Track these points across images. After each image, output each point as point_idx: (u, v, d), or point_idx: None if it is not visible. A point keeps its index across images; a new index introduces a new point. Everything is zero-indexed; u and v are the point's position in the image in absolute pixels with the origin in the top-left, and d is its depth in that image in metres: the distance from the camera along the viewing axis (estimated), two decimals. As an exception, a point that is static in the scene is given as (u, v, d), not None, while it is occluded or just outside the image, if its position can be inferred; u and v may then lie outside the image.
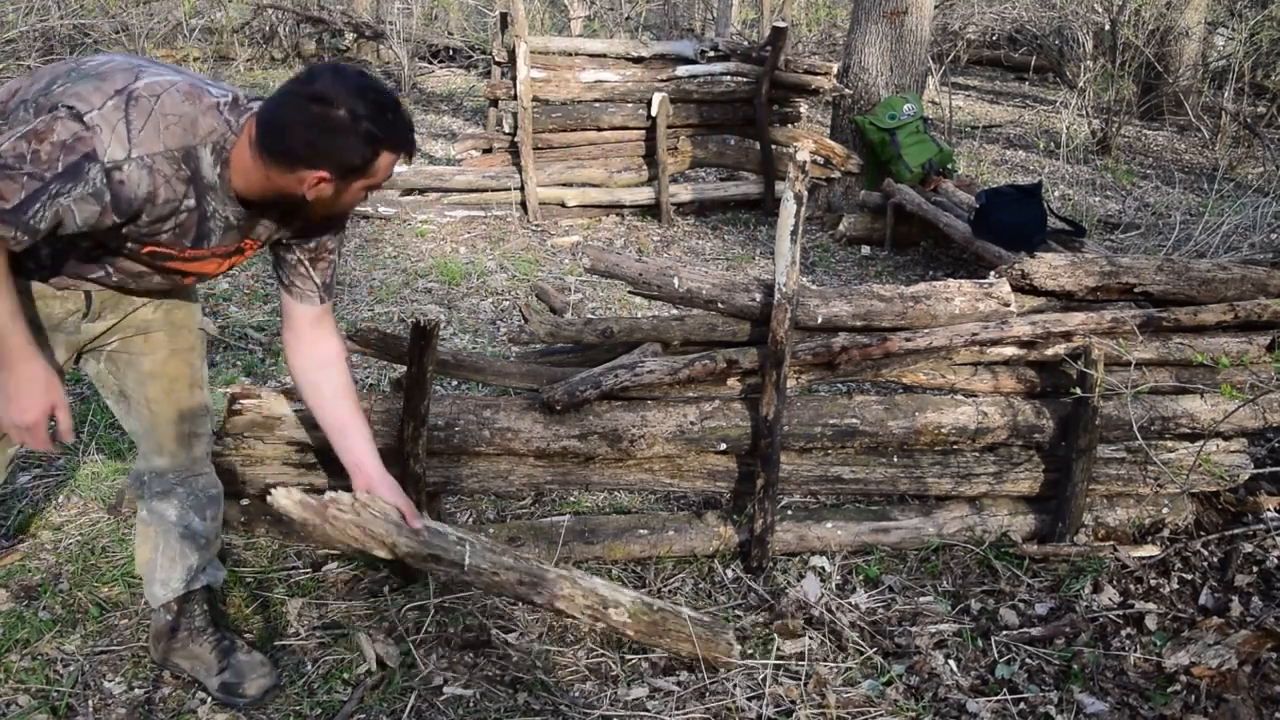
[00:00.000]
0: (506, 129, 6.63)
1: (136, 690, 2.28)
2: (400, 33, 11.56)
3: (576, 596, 2.28)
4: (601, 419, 2.60)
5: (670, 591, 2.68)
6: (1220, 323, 2.80)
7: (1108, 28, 9.04)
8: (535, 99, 6.31)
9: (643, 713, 2.27)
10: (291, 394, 2.59)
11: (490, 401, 2.63)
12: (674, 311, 2.73)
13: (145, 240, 1.88)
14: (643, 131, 6.51)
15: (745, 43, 7.41)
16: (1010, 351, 2.74)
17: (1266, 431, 3.18)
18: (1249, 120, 8.35)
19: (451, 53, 12.95)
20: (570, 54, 6.47)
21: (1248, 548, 2.78)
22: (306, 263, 2.10)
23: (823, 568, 2.76)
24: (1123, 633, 2.51)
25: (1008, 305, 2.69)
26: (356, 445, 2.22)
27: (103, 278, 1.98)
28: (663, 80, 6.49)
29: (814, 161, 6.37)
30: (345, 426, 2.21)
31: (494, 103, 6.96)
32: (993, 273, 2.81)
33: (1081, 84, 8.75)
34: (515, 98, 6.33)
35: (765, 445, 2.61)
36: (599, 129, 6.51)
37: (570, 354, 2.79)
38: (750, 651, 2.44)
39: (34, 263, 1.90)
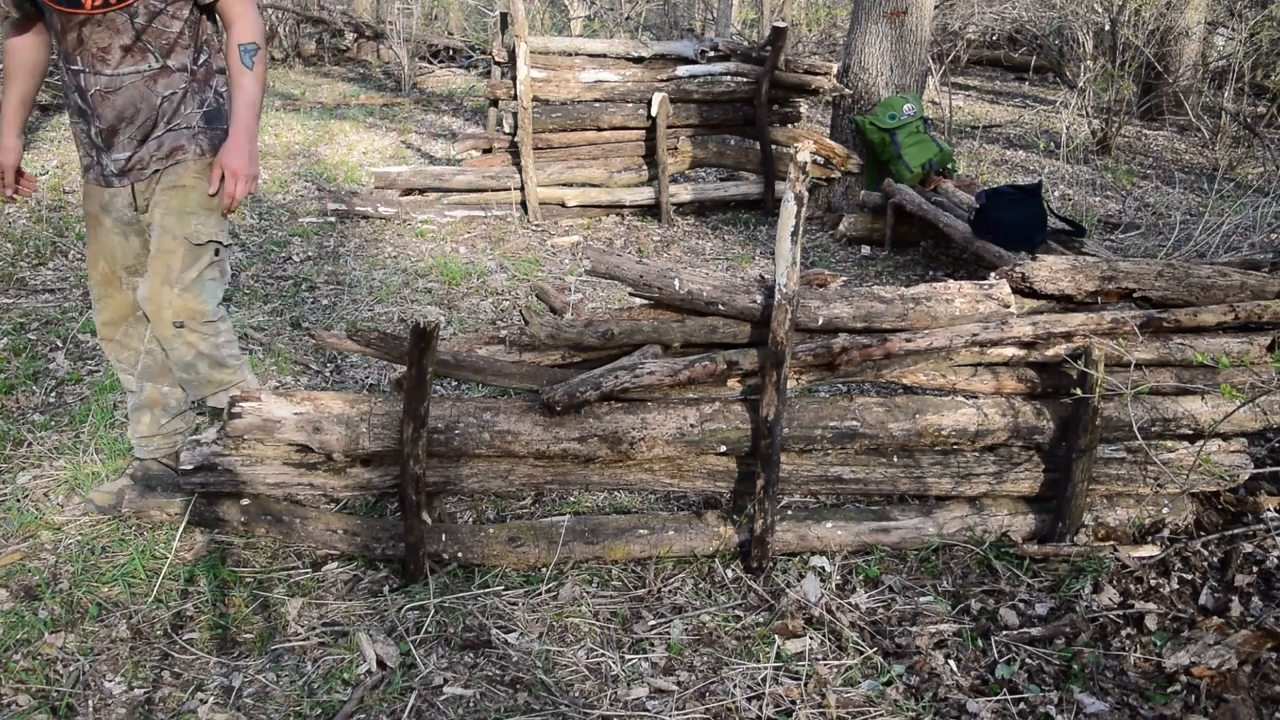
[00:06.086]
0: (506, 129, 6.63)
1: (136, 690, 2.28)
2: (400, 33, 11.58)
3: None
4: (602, 421, 2.60)
5: (670, 591, 2.69)
6: (1220, 323, 2.80)
7: (1108, 28, 9.04)
8: (535, 99, 6.32)
9: (643, 713, 2.27)
10: (291, 395, 2.59)
11: (490, 404, 2.63)
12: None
13: None
14: (643, 131, 6.52)
15: (745, 43, 7.42)
16: (1011, 352, 2.74)
17: (1266, 431, 3.18)
18: (1249, 120, 8.35)
19: (451, 53, 12.97)
20: (570, 54, 6.47)
21: (1248, 548, 2.78)
22: None
23: (823, 568, 2.76)
24: (1123, 633, 2.51)
25: (1008, 306, 2.69)
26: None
27: (76, 101, 2.63)
28: (663, 80, 6.49)
29: (814, 161, 6.37)
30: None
31: (494, 103, 6.96)
32: (993, 274, 2.81)
33: (1081, 84, 8.75)
34: (515, 98, 6.34)
35: (765, 446, 2.61)
36: (599, 129, 6.51)
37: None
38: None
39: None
